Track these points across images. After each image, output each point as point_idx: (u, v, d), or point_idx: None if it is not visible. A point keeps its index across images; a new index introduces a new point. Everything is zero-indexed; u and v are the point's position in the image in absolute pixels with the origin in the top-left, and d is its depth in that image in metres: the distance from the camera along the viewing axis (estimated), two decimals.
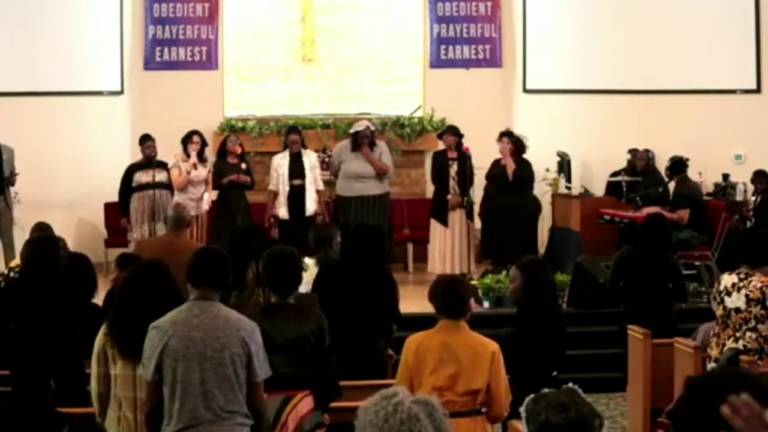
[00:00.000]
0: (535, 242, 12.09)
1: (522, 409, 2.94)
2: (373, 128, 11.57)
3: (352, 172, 11.21)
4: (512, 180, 11.29)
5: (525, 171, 11.41)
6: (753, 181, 12.02)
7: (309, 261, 7.43)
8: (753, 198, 11.98)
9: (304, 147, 11.69)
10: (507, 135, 11.65)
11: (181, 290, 5.16)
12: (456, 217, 11.47)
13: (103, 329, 5.22)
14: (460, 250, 11.43)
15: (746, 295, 6.78)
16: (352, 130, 11.48)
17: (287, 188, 11.34)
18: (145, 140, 11.64)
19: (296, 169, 11.39)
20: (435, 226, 11.59)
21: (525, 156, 11.65)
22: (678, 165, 11.46)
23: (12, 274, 7.44)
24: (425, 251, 12.24)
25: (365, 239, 7.12)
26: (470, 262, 11.34)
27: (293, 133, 11.65)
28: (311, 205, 11.40)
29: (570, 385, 2.97)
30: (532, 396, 2.95)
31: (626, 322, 7.95)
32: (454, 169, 11.51)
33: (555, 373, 6.18)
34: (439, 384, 5.19)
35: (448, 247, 11.47)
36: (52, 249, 6.71)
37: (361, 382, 6.06)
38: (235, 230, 8.12)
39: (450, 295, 5.42)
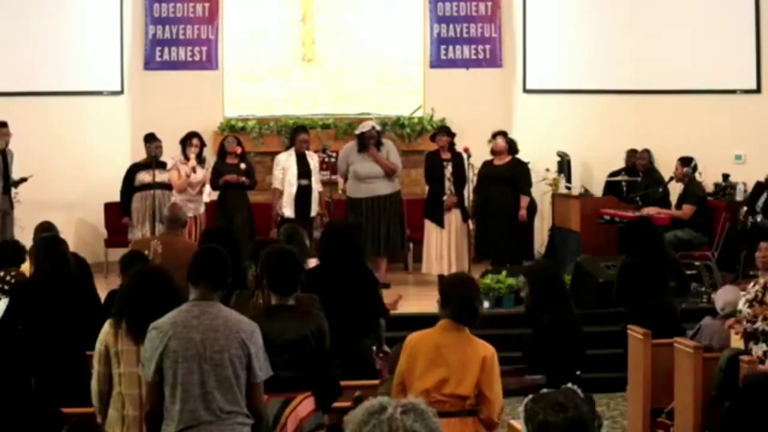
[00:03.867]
0: (531, 242, 12.09)
1: (521, 409, 2.93)
2: (378, 128, 11.57)
3: (361, 174, 11.22)
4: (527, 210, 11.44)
5: (528, 184, 11.57)
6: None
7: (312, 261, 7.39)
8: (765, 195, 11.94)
9: (308, 147, 11.70)
10: (502, 134, 11.66)
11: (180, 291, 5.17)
12: (452, 217, 11.46)
13: (105, 328, 5.23)
14: (456, 251, 11.42)
15: None
16: (357, 131, 11.48)
17: (294, 188, 11.33)
18: (152, 140, 11.65)
19: (303, 169, 11.39)
20: (430, 226, 11.57)
21: (519, 156, 11.66)
22: (695, 165, 11.49)
23: (8, 278, 7.41)
24: None
25: (339, 237, 7.07)
26: (469, 263, 11.33)
27: (303, 133, 11.63)
28: (316, 206, 11.42)
29: (570, 385, 2.97)
30: (531, 396, 2.94)
31: (631, 323, 7.93)
32: (448, 170, 11.51)
33: (579, 373, 6.24)
34: (427, 386, 5.13)
35: (444, 248, 11.45)
36: (64, 248, 6.74)
37: (350, 382, 6.02)
38: (206, 232, 8.11)
39: (465, 304, 5.24)
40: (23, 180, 11.78)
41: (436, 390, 5.13)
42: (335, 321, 6.33)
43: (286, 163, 11.44)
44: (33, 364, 6.27)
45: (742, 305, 7.01)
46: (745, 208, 11.66)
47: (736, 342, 7.04)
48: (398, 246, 11.55)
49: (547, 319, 6.30)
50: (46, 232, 7.80)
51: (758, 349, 6.85)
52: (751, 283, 7.27)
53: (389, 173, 11.30)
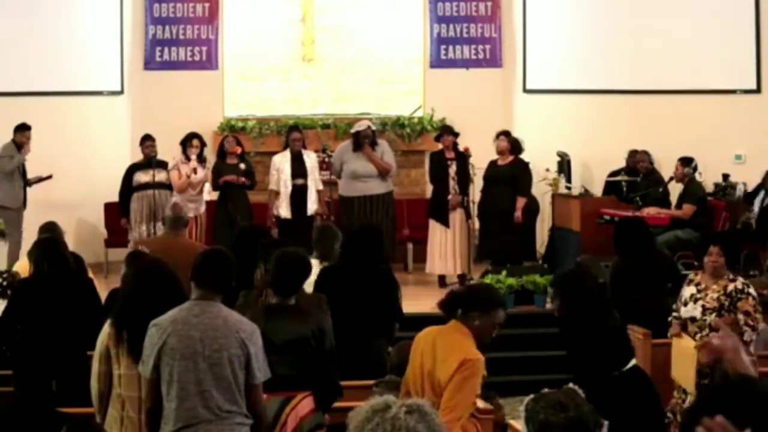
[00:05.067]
0: (534, 242, 12.08)
1: (521, 409, 2.93)
2: (374, 128, 11.58)
3: (355, 172, 11.23)
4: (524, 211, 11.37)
5: (526, 185, 11.51)
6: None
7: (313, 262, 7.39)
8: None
9: (304, 147, 11.71)
10: (504, 134, 11.66)
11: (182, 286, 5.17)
12: (456, 217, 11.47)
13: (106, 328, 5.23)
14: (459, 251, 11.42)
15: None
16: (353, 130, 11.49)
17: (289, 188, 11.34)
18: (145, 140, 11.68)
19: (298, 169, 11.40)
20: (434, 226, 11.57)
21: (522, 156, 11.65)
22: (695, 165, 11.51)
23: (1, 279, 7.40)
24: (425, 251, 12.23)
25: (364, 239, 7.10)
26: (470, 263, 11.33)
27: (296, 132, 11.67)
28: (313, 205, 11.42)
29: (570, 385, 2.97)
30: (532, 396, 2.94)
31: (624, 323, 7.91)
32: (453, 169, 11.51)
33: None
34: (419, 380, 5.19)
35: (448, 248, 11.45)
36: (63, 249, 6.74)
37: (361, 381, 6.03)
38: (242, 230, 8.11)
39: (450, 297, 5.40)
40: (41, 179, 11.81)
41: (429, 385, 5.17)
42: (351, 320, 6.36)
43: (280, 164, 11.47)
44: (52, 365, 6.27)
45: (698, 313, 6.83)
46: (749, 213, 11.67)
47: (690, 357, 6.81)
48: (389, 246, 11.50)
49: (587, 326, 6.24)
50: (49, 232, 7.80)
51: None
52: (694, 287, 7.08)
53: (383, 173, 11.30)
